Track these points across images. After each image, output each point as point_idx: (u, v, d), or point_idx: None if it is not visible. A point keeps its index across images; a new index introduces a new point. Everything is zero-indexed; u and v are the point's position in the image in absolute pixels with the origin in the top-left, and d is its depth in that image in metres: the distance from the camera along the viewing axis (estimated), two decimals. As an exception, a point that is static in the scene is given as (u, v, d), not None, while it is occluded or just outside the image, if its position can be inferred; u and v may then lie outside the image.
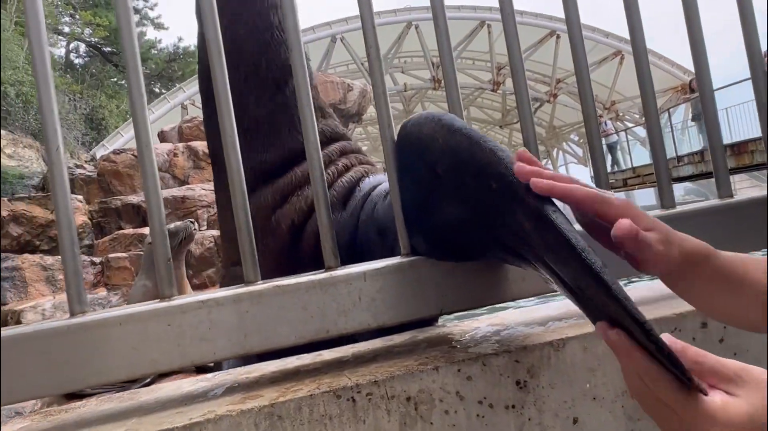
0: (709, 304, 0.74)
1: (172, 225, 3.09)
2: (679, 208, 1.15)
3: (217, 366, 1.52)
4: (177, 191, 7.37)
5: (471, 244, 0.89)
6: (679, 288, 0.73)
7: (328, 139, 1.63)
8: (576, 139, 26.12)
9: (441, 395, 0.88)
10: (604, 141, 18.77)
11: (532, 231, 0.68)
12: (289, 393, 0.86)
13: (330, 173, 1.56)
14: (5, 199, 6.64)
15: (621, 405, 0.94)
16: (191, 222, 3.13)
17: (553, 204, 0.67)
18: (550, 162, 28.17)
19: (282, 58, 1.59)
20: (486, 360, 0.91)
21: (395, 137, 1.03)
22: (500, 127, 27.52)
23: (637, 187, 18.47)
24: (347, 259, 1.54)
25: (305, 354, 1.08)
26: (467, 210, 0.81)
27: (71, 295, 0.91)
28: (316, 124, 1.03)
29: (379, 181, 1.60)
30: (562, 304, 1.17)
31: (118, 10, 0.98)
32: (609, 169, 18.91)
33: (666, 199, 1.16)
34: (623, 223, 0.64)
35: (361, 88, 10.22)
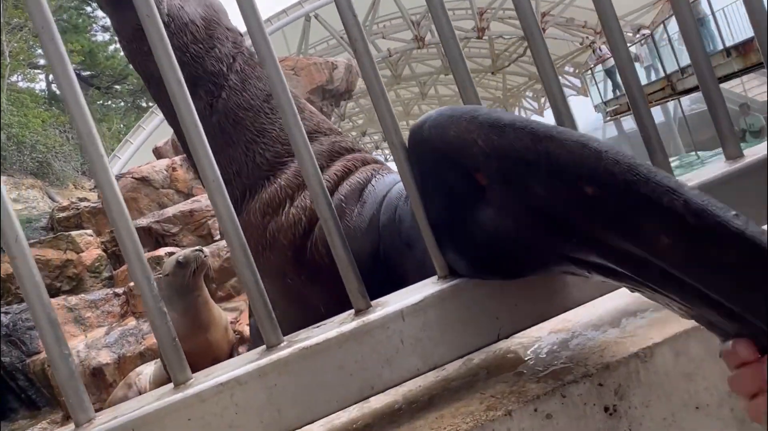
0: None
1: (181, 257, 2.98)
2: (747, 158, 0.97)
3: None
4: (183, 206, 7.25)
5: (527, 260, 0.73)
6: None
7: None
8: (571, 70, 25.36)
9: (521, 444, 0.74)
10: (601, 67, 18.18)
11: (675, 245, 0.52)
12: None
13: (328, 180, 1.42)
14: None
15: (729, 409, 0.80)
16: (199, 250, 3.01)
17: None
18: (548, 101, 27.43)
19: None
20: (565, 390, 0.76)
21: (405, 142, 0.87)
22: (492, 73, 26.76)
23: (642, 107, 17.93)
24: (371, 269, 1.41)
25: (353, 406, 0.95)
26: (529, 223, 0.65)
27: (72, 404, 0.78)
28: (311, 149, 0.87)
29: (394, 180, 1.45)
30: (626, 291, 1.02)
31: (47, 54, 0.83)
32: (611, 95, 18.26)
33: (729, 149, 0.98)
34: None
35: (345, 64, 9.90)
